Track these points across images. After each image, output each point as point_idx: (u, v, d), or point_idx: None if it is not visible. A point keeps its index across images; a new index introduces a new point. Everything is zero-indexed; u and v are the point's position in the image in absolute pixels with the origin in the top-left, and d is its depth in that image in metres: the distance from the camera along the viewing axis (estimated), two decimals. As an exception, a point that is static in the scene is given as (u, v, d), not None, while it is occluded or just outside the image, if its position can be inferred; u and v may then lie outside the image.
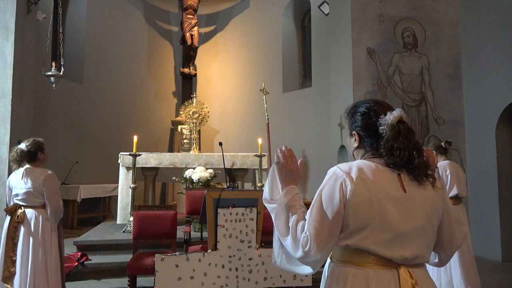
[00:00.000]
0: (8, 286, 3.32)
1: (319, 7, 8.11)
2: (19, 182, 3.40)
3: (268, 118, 7.80)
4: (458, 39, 6.65)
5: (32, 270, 3.32)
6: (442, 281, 4.01)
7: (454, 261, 3.98)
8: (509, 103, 5.63)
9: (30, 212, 3.39)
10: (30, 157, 3.44)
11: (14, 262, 3.34)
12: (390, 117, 1.42)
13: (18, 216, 3.36)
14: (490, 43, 5.98)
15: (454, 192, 4.10)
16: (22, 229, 3.37)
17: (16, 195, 3.42)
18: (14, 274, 3.32)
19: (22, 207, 3.40)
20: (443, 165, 4.16)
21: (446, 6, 6.71)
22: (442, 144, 4.25)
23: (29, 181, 3.37)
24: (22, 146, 3.45)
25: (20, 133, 5.74)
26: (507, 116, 5.79)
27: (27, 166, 3.44)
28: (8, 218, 3.43)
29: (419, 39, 6.67)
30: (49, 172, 3.43)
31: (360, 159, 1.50)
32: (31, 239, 3.35)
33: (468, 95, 6.47)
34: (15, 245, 3.36)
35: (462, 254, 3.96)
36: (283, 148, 1.60)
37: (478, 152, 6.15)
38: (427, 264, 1.56)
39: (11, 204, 3.47)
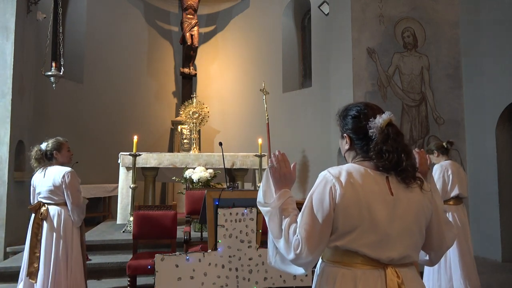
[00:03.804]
0: (33, 281, 3.40)
1: (319, 7, 8.11)
2: (41, 181, 3.50)
3: (268, 118, 7.79)
4: (458, 39, 6.65)
5: (54, 266, 3.40)
6: (442, 281, 4.01)
7: (454, 261, 3.98)
8: (509, 103, 5.63)
9: (53, 209, 3.49)
10: (47, 156, 3.55)
11: (38, 258, 3.43)
12: (380, 120, 1.46)
13: (41, 214, 3.46)
14: (490, 43, 5.98)
15: (455, 192, 4.10)
16: (45, 225, 3.46)
17: (39, 193, 3.53)
18: (38, 270, 3.41)
19: (46, 205, 3.50)
20: (444, 165, 4.16)
21: (446, 6, 6.71)
22: (444, 144, 4.25)
23: (50, 179, 3.47)
24: (42, 145, 3.58)
25: (20, 133, 5.74)
26: (507, 116, 5.79)
27: (48, 164, 3.55)
28: (33, 215, 3.53)
29: (419, 39, 6.67)
30: (69, 169, 3.51)
31: (351, 161, 1.54)
32: (54, 235, 3.45)
33: (468, 95, 6.46)
34: (38, 241, 3.45)
35: (462, 254, 3.96)
36: (277, 153, 1.64)
37: (478, 152, 6.15)
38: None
39: (35, 202, 3.57)
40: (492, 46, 5.95)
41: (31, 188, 3.62)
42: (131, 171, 6.15)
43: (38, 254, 3.42)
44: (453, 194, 4.09)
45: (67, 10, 8.49)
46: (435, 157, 4.25)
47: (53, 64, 5.85)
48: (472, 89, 6.39)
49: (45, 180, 3.48)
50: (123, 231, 5.68)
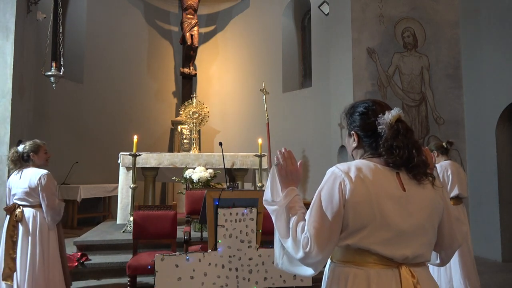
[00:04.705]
0: (9, 283, 3.38)
1: (319, 7, 8.11)
2: (17, 182, 3.49)
3: (268, 118, 7.79)
4: (458, 39, 6.65)
5: (30, 268, 3.38)
6: (442, 281, 4.01)
7: (454, 261, 3.98)
8: (509, 103, 5.63)
9: (28, 211, 3.47)
10: (24, 158, 3.53)
11: (14, 259, 3.40)
12: (389, 116, 1.42)
13: (16, 215, 3.44)
14: (490, 43, 5.98)
15: (455, 192, 4.10)
16: (21, 227, 3.44)
17: (14, 194, 3.51)
18: (14, 271, 3.39)
19: (21, 207, 3.48)
20: (444, 165, 4.16)
21: (446, 6, 6.71)
22: (444, 144, 4.25)
23: (26, 181, 3.45)
24: (20, 147, 3.57)
25: (20, 133, 5.74)
26: (507, 116, 5.79)
27: (25, 166, 3.53)
28: (8, 217, 3.50)
29: (419, 39, 6.67)
30: (45, 172, 3.50)
31: (359, 159, 1.50)
32: (29, 237, 3.42)
33: (468, 95, 6.46)
34: (14, 243, 3.43)
35: (462, 254, 3.95)
36: (283, 150, 1.60)
37: (478, 152, 6.15)
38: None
39: (11, 203, 3.55)
40: (492, 46, 5.95)
41: (7, 190, 3.60)
42: (131, 171, 6.14)
43: (14, 256, 3.40)
44: (452, 194, 4.09)
45: (67, 10, 8.49)
46: (435, 157, 4.25)
47: (53, 64, 5.85)
48: (472, 89, 6.39)
49: (21, 181, 3.46)
50: (123, 231, 5.67)
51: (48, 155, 3.66)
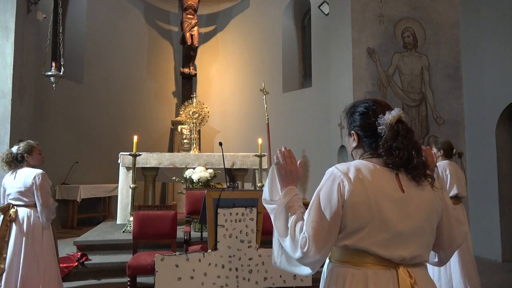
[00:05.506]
0: None
1: (319, 7, 8.11)
2: (11, 182, 3.51)
3: (268, 118, 7.80)
4: (458, 39, 6.65)
5: (23, 268, 3.39)
6: (442, 281, 4.01)
7: (454, 261, 3.98)
8: (509, 103, 5.63)
9: (22, 211, 3.48)
10: (18, 159, 3.55)
11: (4, 259, 3.41)
12: (389, 116, 1.41)
13: (10, 215, 3.45)
14: (490, 43, 5.98)
15: (454, 192, 4.09)
16: (14, 227, 3.45)
17: (9, 194, 3.53)
18: (3, 271, 3.39)
19: (15, 206, 3.49)
20: (442, 165, 4.15)
21: (446, 6, 6.71)
22: (454, 150, 4.24)
23: (21, 180, 3.47)
24: (13, 149, 3.59)
25: (20, 133, 5.74)
26: (507, 116, 5.79)
27: (19, 167, 3.55)
28: (1, 217, 3.51)
29: (419, 39, 6.67)
30: (40, 171, 3.52)
31: (359, 159, 1.49)
32: (23, 236, 3.43)
33: (468, 95, 6.46)
34: (6, 243, 3.44)
35: (462, 254, 3.95)
36: (283, 149, 1.60)
37: (478, 152, 6.15)
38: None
39: (5, 203, 3.56)
40: (492, 46, 5.95)
41: (1, 190, 3.61)
42: (131, 171, 6.14)
43: (5, 256, 3.41)
44: (451, 194, 4.08)
45: (67, 10, 8.49)
46: (436, 156, 4.24)
47: (53, 64, 5.84)
48: (472, 89, 6.39)
49: (16, 181, 3.48)
50: (123, 231, 5.68)
51: (42, 155, 3.67)
